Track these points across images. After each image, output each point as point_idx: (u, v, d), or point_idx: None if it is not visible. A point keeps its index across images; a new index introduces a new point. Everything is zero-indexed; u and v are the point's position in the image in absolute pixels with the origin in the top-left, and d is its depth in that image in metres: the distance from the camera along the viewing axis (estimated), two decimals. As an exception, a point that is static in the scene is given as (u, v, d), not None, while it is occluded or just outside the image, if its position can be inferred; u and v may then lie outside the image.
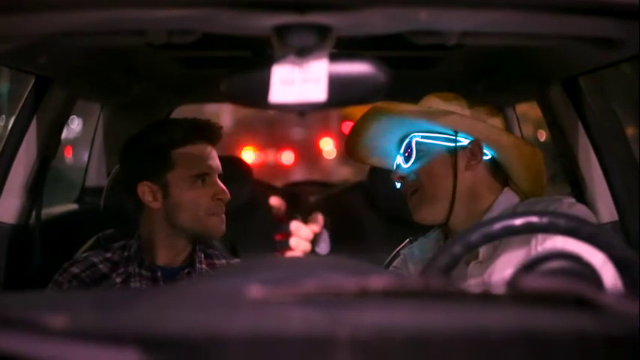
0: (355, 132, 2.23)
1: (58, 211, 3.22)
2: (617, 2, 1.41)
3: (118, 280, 2.30)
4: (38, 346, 0.91)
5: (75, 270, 2.30)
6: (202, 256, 2.40)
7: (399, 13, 1.39)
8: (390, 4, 1.35)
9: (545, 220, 1.52)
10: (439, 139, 2.09)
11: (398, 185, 2.17)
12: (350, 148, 2.28)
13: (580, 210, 1.96)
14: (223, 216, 2.33)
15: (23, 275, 2.55)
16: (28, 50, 2.11)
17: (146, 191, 2.32)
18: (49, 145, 2.66)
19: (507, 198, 2.09)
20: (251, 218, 3.39)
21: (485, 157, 2.10)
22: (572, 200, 1.99)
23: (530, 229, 1.53)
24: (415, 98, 2.21)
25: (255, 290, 0.99)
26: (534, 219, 1.52)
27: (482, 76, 2.77)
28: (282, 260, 1.39)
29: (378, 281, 1.01)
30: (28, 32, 1.59)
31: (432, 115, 2.06)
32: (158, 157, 2.32)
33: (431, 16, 1.40)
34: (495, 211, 2.04)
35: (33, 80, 2.56)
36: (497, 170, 2.12)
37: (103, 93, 3.07)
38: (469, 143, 2.08)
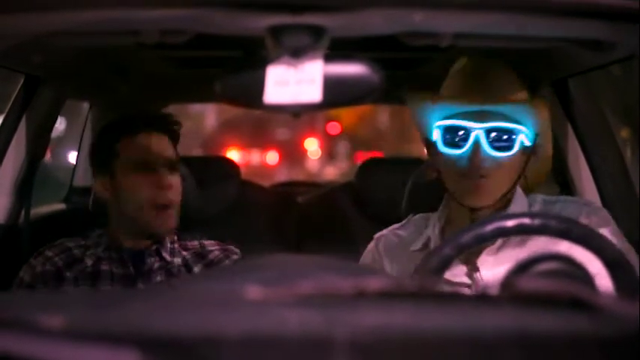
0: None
1: (46, 211, 3.21)
2: (608, 4, 1.42)
3: (89, 262, 2.32)
4: (33, 346, 0.91)
5: (49, 253, 2.33)
6: (175, 237, 2.41)
7: (393, 14, 1.40)
8: (384, 6, 1.36)
9: (537, 221, 1.53)
10: (521, 133, 2.03)
11: (474, 164, 2.03)
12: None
13: (602, 216, 1.96)
14: (171, 211, 2.31)
15: (12, 275, 2.54)
16: (19, 50, 2.11)
17: (98, 182, 2.36)
18: (38, 144, 2.66)
19: (519, 190, 2.10)
20: (239, 218, 3.39)
21: None
22: (595, 205, 1.98)
23: (522, 231, 1.54)
24: (406, 99, 2.20)
25: (252, 291, 0.99)
26: (526, 220, 1.53)
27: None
28: (277, 261, 1.39)
29: (375, 282, 1.01)
30: (19, 32, 1.59)
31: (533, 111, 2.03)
32: (106, 147, 2.34)
33: (425, 17, 1.40)
34: (518, 205, 2.06)
35: (22, 79, 2.56)
36: None
37: (92, 92, 3.07)
38: (536, 138, 2.07)
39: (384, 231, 2.29)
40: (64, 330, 0.93)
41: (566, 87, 2.48)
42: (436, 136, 2.07)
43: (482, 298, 1.04)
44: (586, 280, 1.27)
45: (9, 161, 2.56)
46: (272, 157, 19.32)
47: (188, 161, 3.26)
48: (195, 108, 16.66)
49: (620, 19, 1.44)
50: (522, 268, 1.38)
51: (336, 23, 1.35)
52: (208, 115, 18.92)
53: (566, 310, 1.00)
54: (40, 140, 2.67)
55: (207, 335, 0.92)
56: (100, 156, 2.36)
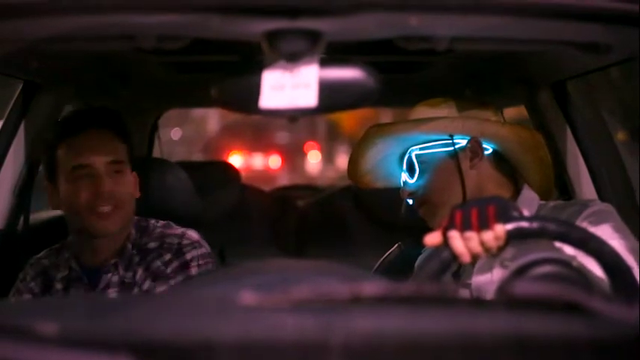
0: (354, 160, 2.19)
1: (45, 217, 3.20)
2: (607, 7, 1.41)
3: (59, 286, 2.24)
4: (30, 353, 0.91)
5: (30, 283, 2.28)
6: (134, 252, 2.24)
7: (389, 18, 1.39)
8: (380, 10, 1.35)
9: (535, 224, 1.52)
10: (437, 147, 2.06)
11: (410, 202, 2.11)
12: (353, 176, 2.24)
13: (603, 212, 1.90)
14: (114, 216, 2.16)
15: (11, 281, 2.54)
16: (17, 56, 2.11)
17: (48, 192, 2.25)
18: (38, 150, 2.65)
19: (528, 195, 2.05)
20: (239, 222, 3.39)
21: (486, 152, 2.07)
22: (601, 208, 1.93)
23: (521, 235, 1.53)
24: (404, 103, 2.21)
25: (247, 297, 0.99)
26: (524, 224, 1.53)
27: (470, 80, 2.78)
28: (274, 265, 1.39)
29: (370, 287, 1.01)
30: (17, 38, 1.59)
31: (422, 125, 2.03)
32: (48, 155, 2.22)
33: (421, 21, 1.40)
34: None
35: (21, 86, 2.55)
36: (502, 163, 2.09)
37: (91, 98, 3.07)
38: (467, 142, 2.06)
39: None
40: (60, 337, 0.93)
41: (565, 89, 2.47)
42: None
43: (478, 302, 1.04)
44: (583, 284, 1.27)
45: (8, 167, 2.56)
46: (275, 161, 19.31)
47: (189, 166, 3.27)
48: (197, 112, 16.63)
49: (619, 22, 1.44)
50: (519, 272, 1.38)
51: (332, 27, 1.34)
52: (210, 120, 18.90)
53: (563, 314, 1.00)
54: (39, 146, 2.66)
55: (204, 341, 0.92)
56: (45, 165, 2.25)
